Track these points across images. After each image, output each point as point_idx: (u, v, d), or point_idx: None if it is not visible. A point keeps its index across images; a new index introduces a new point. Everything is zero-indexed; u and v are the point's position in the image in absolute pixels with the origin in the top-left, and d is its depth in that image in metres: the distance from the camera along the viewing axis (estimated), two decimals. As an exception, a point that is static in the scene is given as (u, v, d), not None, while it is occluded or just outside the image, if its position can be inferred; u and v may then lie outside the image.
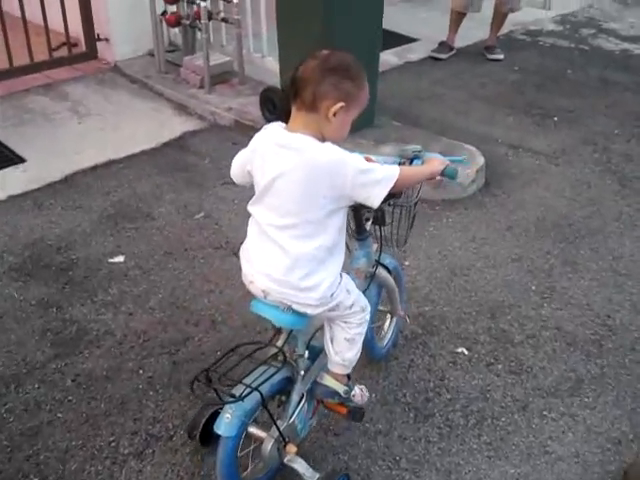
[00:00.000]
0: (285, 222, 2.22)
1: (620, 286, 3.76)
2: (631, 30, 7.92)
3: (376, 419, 2.92)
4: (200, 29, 5.57)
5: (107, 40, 6.26)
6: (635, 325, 3.49)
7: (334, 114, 2.14)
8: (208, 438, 2.67)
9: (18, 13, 5.77)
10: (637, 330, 3.46)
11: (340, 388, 2.57)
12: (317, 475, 2.51)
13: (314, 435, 2.82)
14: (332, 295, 2.30)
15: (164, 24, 5.89)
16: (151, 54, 6.23)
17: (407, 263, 3.84)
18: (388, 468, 2.74)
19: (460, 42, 7.00)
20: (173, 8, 5.83)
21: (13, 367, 3.15)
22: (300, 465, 2.52)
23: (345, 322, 2.45)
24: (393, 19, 6.64)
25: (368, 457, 2.77)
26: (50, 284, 3.66)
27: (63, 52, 6.21)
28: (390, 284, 2.97)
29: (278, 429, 2.43)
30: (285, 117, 2.29)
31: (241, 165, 2.41)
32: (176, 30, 6.19)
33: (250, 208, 2.37)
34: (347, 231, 2.44)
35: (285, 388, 2.50)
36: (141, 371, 3.14)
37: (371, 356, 3.11)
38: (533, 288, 3.73)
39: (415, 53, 6.94)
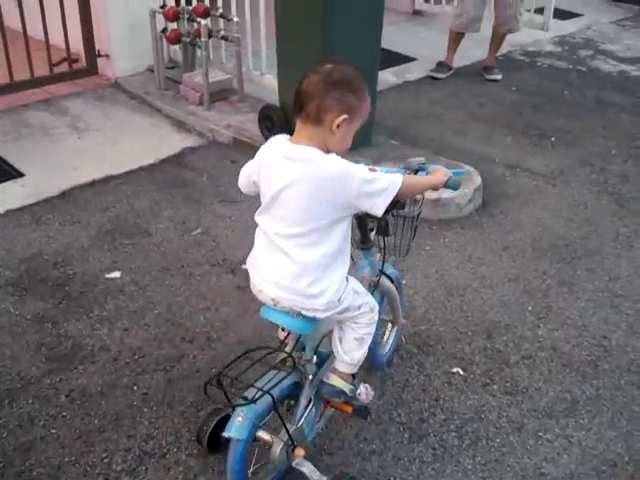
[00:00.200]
0: (291, 231, 2.29)
1: (616, 307, 3.76)
2: (628, 52, 7.96)
3: (370, 439, 2.91)
4: (200, 46, 5.60)
5: (107, 56, 6.30)
6: (631, 346, 3.48)
7: (337, 126, 2.22)
8: (215, 443, 2.73)
9: (19, 28, 5.79)
10: (633, 351, 3.45)
11: (346, 387, 2.61)
12: (324, 478, 2.56)
13: (309, 454, 2.80)
14: (339, 299, 2.37)
15: (164, 41, 5.92)
16: (151, 70, 6.27)
17: (404, 282, 3.84)
18: (382, 488, 2.73)
19: (458, 62, 7.04)
20: (174, 25, 5.86)
21: (7, 382, 3.14)
22: (308, 468, 2.57)
23: (355, 322, 2.51)
24: (392, 38, 6.69)
25: (362, 477, 2.75)
26: (46, 299, 3.66)
27: (64, 68, 6.25)
28: (392, 293, 3.02)
29: (288, 432, 2.48)
30: (288, 133, 2.34)
31: (247, 176, 2.46)
32: (176, 47, 6.22)
33: (257, 218, 2.42)
34: (352, 241, 2.48)
35: (294, 393, 2.55)
36: (135, 387, 3.13)
37: (372, 363, 3.13)
38: (529, 308, 3.73)
39: (414, 72, 6.97)
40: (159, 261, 3.98)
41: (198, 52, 5.82)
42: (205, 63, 5.57)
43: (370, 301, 2.53)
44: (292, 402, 2.60)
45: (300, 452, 2.55)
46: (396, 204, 2.42)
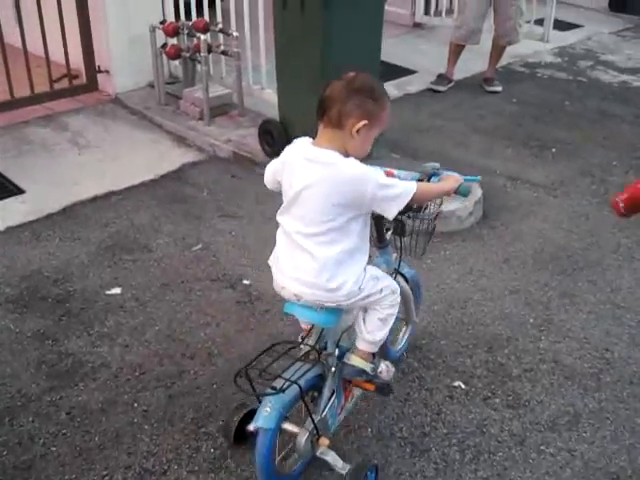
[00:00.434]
0: (310, 230, 2.41)
1: (618, 319, 3.74)
2: (629, 62, 7.97)
3: (372, 454, 2.90)
4: (200, 61, 5.61)
5: (108, 72, 6.30)
6: (634, 358, 3.47)
7: (357, 131, 2.35)
8: (240, 437, 2.82)
9: (19, 44, 5.81)
10: (635, 363, 3.44)
11: (367, 366, 2.72)
12: (348, 467, 2.64)
13: (310, 470, 2.80)
14: (359, 288, 2.49)
15: (164, 56, 5.92)
16: (151, 86, 6.27)
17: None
18: (384, 504, 2.72)
19: (459, 74, 7.04)
20: (173, 41, 5.87)
21: (7, 400, 3.13)
22: (332, 457, 2.67)
23: (379, 305, 2.61)
24: (392, 51, 6.71)
25: (364, 493, 2.75)
26: (47, 316, 3.65)
27: (64, 84, 6.24)
28: (407, 293, 3.08)
29: (313, 422, 2.59)
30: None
31: (272, 174, 2.58)
32: (176, 62, 6.23)
33: (278, 218, 2.54)
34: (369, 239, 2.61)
35: (317, 384, 2.65)
36: (136, 404, 3.13)
37: (386, 357, 3.14)
38: (531, 321, 3.72)
39: (414, 85, 6.98)
40: (159, 277, 3.98)
41: (198, 67, 5.82)
42: (205, 78, 5.58)
43: (390, 284, 2.64)
44: (315, 394, 2.70)
45: (324, 441, 2.66)
46: (411, 207, 2.55)
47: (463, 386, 3.28)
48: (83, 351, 3.42)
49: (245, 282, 3.93)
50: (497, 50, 6.92)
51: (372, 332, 2.65)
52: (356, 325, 2.70)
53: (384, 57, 4.94)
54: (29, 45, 5.86)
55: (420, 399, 3.19)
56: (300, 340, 2.67)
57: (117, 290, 3.86)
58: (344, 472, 2.64)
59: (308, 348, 2.58)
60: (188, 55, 5.79)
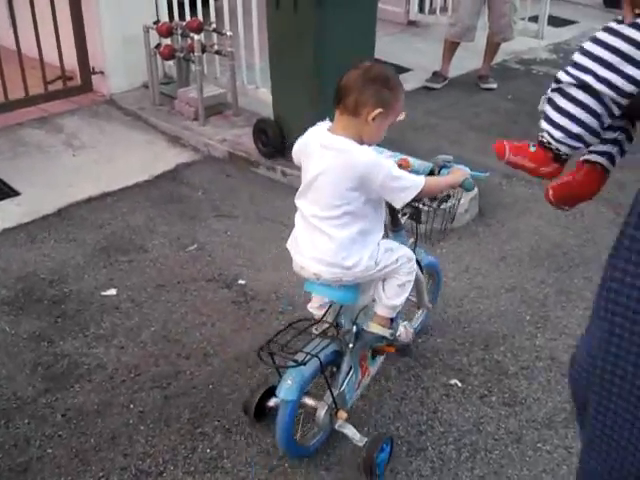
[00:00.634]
0: (326, 214, 2.52)
1: (614, 315, 3.73)
2: (624, 58, 7.94)
3: (368, 453, 2.89)
4: (194, 61, 5.60)
5: (102, 73, 6.29)
6: (629, 355, 3.46)
7: (373, 119, 2.45)
8: (261, 414, 2.95)
9: (13, 46, 5.80)
10: (632, 360, 3.43)
11: (386, 332, 2.83)
12: (365, 439, 2.75)
13: (305, 469, 2.80)
14: (375, 262, 2.61)
15: (158, 57, 5.91)
16: (146, 86, 6.26)
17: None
18: (380, 503, 2.72)
19: (454, 72, 7.03)
20: (167, 41, 5.87)
21: (3, 402, 3.12)
22: (350, 430, 2.79)
23: (397, 273, 2.72)
24: (387, 49, 6.71)
25: (360, 492, 2.74)
26: (42, 318, 3.65)
27: (58, 85, 6.23)
28: (418, 278, 3.10)
29: (332, 395, 2.70)
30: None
31: (296, 153, 2.66)
32: (170, 63, 6.21)
33: (296, 201, 2.65)
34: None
35: (335, 360, 2.77)
36: (132, 405, 3.12)
37: None
38: (527, 318, 3.72)
39: (409, 83, 6.94)
40: (155, 277, 3.97)
41: (192, 67, 5.81)
42: (199, 78, 5.57)
43: (406, 252, 2.74)
44: (334, 369, 2.81)
45: (342, 415, 2.78)
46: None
47: (459, 384, 3.27)
48: (79, 352, 3.42)
49: (241, 282, 3.93)
50: (492, 47, 6.92)
51: (391, 298, 2.76)
52: (375, 294, 2.80)
53: (379, 55, 4.94)
54: (23, 47, 5.83)
55: (416, 397, 3.19)
56: (319, 318, 2.79)
57: (112, 291, 3.85)
58: (361, 444, 2.74)
59: (327, 325, 2.72)
60: (182, 55, 5.78)
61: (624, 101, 1.54)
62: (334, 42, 4.48)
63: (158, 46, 5.82)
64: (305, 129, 2.58)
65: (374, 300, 2.84)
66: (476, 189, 4.68)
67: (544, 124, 1.74)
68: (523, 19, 7.78)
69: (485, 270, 4.10)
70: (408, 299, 2.96)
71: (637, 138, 2.13)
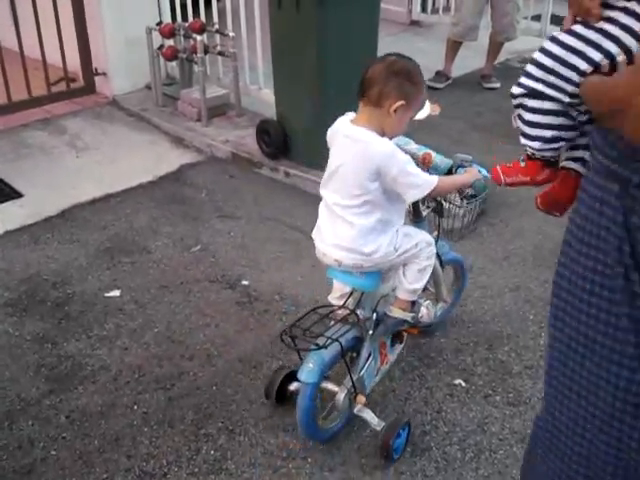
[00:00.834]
0: (347, 203, 2.60)
1: (618, 314, 3.72)
2: (627, 57, 7.93)
3: (372, 453, 2.88)
4: (197, 62, 5.60)
5: (105, 74, 6.30)
6: (634, 354, 3.45)
7: (395, 110, 2.52)
8: (282, 398, 3.02)
9: (16, 48, 5.81)
10: (636, 359, 3.42)
11: (407, 316, 2.91)
12: (383, 424, 2.82)
13: (309, 470, 2.79)
14: (395, 248, 2.69)
15: (161, 58, 5.91)
16: (149, 88, 6.27)
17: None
18: (385, 503, 2.71)
19: (456, 71, 7.03)
20: (170, 42, 5.86)
21: (7, 404, 3.12)
22: (368, 414, 2.86)
23: (417, 257, 2.79)
24: (389, 49, 6.58)
25: (365, 492, 2.74)
26: (46, 319, 3.65)
27: (61, 87, 6.24)
28: (436, 271, 3.14)
29: (352, 379, 2.78)
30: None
31: (329, 138, 2.71)
32: (173, 64, 6.21)
33: (321, 190, 2.73)
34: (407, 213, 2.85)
35: (355, 346, 2.84)
36: (136, 407, 3.12)
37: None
38: (531, 317, 3.71)
39: (412, 83, 6.95)
40: (158, 278, 3.97)
41: (195, 68, 5.82)
42: (202, 79, 5.57)
43: (424, 237, 2.82)
44: (354, 355, 2.88)
45: (361, 399, 2.85)
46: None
47: (464, 384, 3.27)
48: (82, 354, 3.42)
49: (244, 282, 3.92)
50: (495, 46, 6.91)
51: (412, 282, 2.83)
52: (397, 279, 2.86)
53: (381, 55, 4.92)
54: (26, 48, 5.85)
55: (421, 397, 3.18)
56: (341, 305, 2.84)
57: (116, 292, 3.85)
58: (379, 428, 2.81)
59: (347, 312, 2.76)
60: (185, 56, 5.77)
61: (579, 100, 1.56)
62: (336, 42, 4.48)
63: (161, 47, 5.82)
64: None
65: (394, 290, 2.91)
66: (480, 189, 4.67)
67: (522, 140, 1.79)
68: (526, 18, 7.77)
69: (489, 270, 4.09)
70: (427, 289, 3.02)
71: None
